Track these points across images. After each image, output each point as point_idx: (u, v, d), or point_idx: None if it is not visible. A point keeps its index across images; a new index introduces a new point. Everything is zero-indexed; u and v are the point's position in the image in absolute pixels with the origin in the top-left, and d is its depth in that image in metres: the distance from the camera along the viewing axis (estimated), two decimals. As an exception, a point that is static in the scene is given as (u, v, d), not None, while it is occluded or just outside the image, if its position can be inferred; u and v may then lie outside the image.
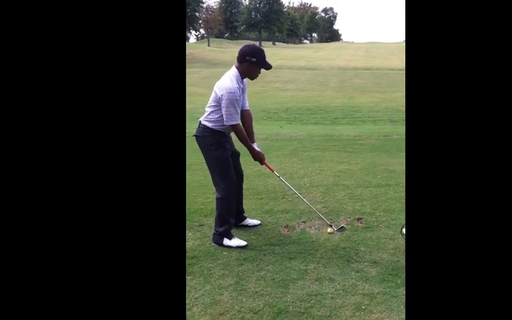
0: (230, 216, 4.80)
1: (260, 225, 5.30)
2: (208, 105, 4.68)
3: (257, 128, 5.05)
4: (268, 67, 4.66)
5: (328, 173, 8.00)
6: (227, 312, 3.39)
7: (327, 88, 33.41)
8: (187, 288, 3.70)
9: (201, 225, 5.26)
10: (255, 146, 4.85)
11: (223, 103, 4.48)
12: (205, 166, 4.87)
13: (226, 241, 4.66)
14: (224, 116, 4.52)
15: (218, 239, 4.69)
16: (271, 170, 5.23)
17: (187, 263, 4.14)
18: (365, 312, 3.38)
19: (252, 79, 4.74)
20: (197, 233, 5.01)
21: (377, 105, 24.94)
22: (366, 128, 16.08)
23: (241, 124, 4.69)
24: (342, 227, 5.08)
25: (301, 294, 3.65)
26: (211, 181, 4.85)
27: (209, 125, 4.67)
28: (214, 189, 4.86)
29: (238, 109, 4.58)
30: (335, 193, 6.71)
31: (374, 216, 5.62)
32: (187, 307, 3.41)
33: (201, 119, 4.73)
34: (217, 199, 4.78)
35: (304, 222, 5.38)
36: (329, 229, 5.04)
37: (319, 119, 19.61)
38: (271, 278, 3.94)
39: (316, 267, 4.15)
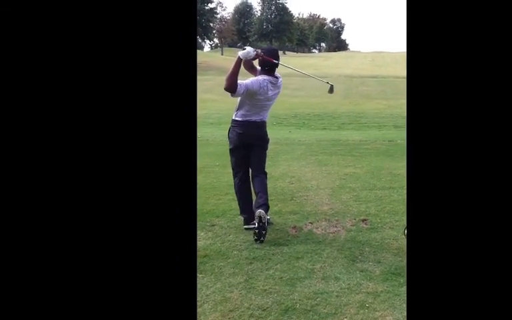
0: (242, 209, 5.09)
1: (272, 223, 5.24)
2: None
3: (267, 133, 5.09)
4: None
5: (334, 175, 7.97)
6: (237, 309, 3.37)
7: (334, 95, 33.29)
8: (199, 286, 3.68)
9: (212, 225, 5.24)
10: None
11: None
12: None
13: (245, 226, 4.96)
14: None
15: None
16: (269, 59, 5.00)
17: (198, 261, 4.13)
18: (368, 310, 3.34)
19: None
20: (209, 233, 5.00)
21: (382, 111, 24.85)
22: (371, 133, 16.02)
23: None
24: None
25: (308, 292, 3.61)
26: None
27: (233, 115, 4.97)
28: None
29: (244, 85, 4.73)
30: (341, 195, 6.68)
31: (378, 217, 5.58)
32: (198, 303, 3.39)
33: None
34: None
35: (311, 223, 5.35)
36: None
37: (326, 124, 19.56)
38: (279, 276, 3.91)
39: (322, 266, 4.11)
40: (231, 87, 4.63)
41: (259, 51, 4.92)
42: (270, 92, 4.88)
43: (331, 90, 5.47)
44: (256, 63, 5.12)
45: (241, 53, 4.76)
